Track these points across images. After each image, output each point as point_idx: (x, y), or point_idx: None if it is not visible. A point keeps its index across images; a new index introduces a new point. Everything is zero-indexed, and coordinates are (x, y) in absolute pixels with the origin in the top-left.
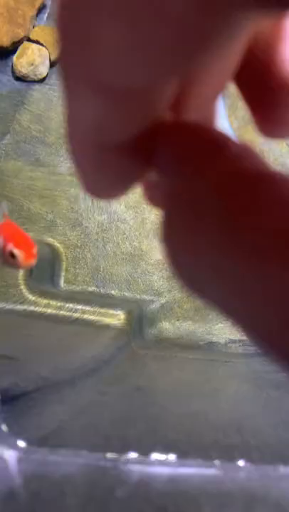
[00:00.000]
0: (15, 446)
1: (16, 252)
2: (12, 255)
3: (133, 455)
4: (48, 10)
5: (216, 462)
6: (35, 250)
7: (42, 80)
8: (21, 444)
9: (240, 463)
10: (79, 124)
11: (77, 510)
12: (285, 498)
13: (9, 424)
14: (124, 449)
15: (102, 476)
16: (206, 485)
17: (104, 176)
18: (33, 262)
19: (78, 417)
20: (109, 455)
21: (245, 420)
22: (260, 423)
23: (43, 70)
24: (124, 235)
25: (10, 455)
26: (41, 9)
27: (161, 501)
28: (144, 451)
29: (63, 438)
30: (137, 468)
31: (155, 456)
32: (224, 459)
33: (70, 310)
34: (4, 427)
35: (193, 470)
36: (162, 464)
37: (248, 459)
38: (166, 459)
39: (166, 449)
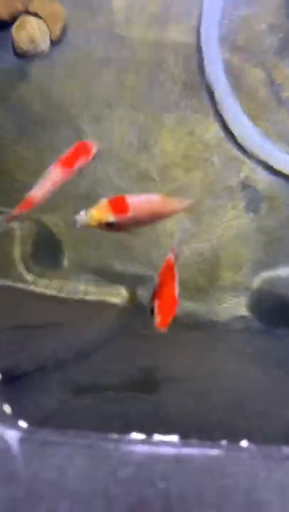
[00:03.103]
0: (16, 427)
1: (156, 313)
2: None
3: (135, 435)
4: None
5: (219, 443)
6: (171, 317)
7: (43, 56)
8: (23, 424)
9: (244, 443)
10: None
11: (79, 492)
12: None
13: (11, 404)
14: (126, 430)
15: (104, 457)
16: (209, 466)
17: None
18: (163, 330)
19: (80, 396)
20: (112, 436)
21: (248, 399)
22: (263, 402)
23: (44, 45)
24: None
25: (11, 435)
26: None
27: (164, 482)
28: (147, 432)
29: (65, 418)
30: (139, 448)
31: (158, 437)
32: (227, 439)
33: (72, 289)
34: (6, 407)
35: (195, 450)
36: (165, 444)
37: (251, 439)
38: (169, 439)
39: (168, 430)
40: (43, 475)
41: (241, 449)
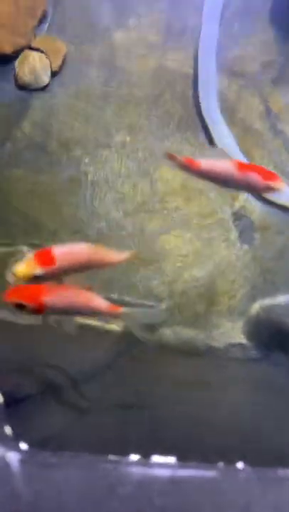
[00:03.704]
0: (17, 449)
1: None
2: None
3: (134, 457)
4: (49, 19)
5: (216, 465)
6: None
7: (43, 88)
8: (23, 446)
9: (239, 465)
10: None
11: (78, 510)
12: (283, 501)
13: (12, 427)
14: (124, 452)
15: (102, 478)
16: (205, 487)
17: None
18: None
19: (80, 419)
20: (110, 457)
21: (245, 424)
22: (259, 427)
23: (45, 78)
24: (124, 242)
25: (12, 457)
26: (42, 19)
27: (162, 502)
28: (145, 454)
29: (65, 440)
30: (137, 470)
31: (156, 458)
32: (224, 461)
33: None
34: (7, 429)
35: (193, 472)
36: (162, 466)
37: (247, 461)
38: (167, 461)
39: (166, 452)
40: (43, 494)
41: (237, 470)
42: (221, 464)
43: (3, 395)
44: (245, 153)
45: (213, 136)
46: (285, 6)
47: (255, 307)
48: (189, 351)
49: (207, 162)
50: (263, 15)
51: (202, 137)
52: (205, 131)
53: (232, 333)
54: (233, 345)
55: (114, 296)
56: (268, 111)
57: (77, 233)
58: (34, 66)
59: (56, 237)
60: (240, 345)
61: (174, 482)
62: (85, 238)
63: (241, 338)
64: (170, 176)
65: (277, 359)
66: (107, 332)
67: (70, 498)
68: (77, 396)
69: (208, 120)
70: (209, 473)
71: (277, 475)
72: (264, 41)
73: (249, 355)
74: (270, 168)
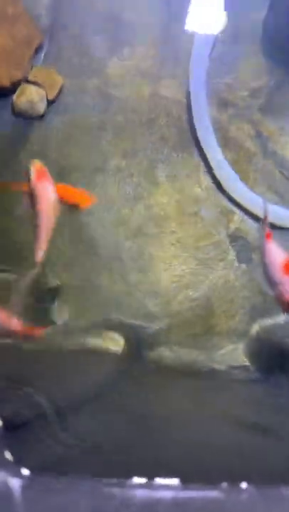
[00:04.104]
0: (19, 474)
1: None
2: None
3: (136, 480)
4: (44, 50)
5: (219, 485)
6: None
7: (39, 118)
8: (25, 471)
9: (243, 485)
10: None
11: None
12: None
13: (13, 452)
14: (127, 475)
15: (105, 501)
16: (209, 507)
17: None
18: None
19: (81, 443)
20: (113, 481)
21: (247, 445)
22: (260, 447)
23: (41, 107)
24: (123, 267)
25: (14, 483)
26: (38, 49)
27: None
28: (148, 477)
29: (66, 465)
30: (140, 492)
31: (159, 480)
32: (227, 481)
33: (72, 340)
34: (8, 455)
35: (196, 493)
36: (166, 488)
37: (250, 481)
38: (170, 483)
39: (169, 474)
40: None
41: (241, 490)
42: (224, 484)
43: (2, 419)
44: (240, 175)
45: (208, 159)
46: (273, 35)
47: (255, 328)
48: (190, 372)
49: None
50: (253, 43)
51: (196, 161)
52: (200, 155)
53: (233, 354)
54: (234, 368)
55: (112, 317)
56: (259, 134)
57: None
58: (31, 97)
59: (55, 266)
60: (243, 367)
61: (177, 503)
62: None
63: (244, 361)
64: (165, 200)
65: (279, 380)
66: (107, 354)
67: None
68: (77, 420)
69: (202, 144)
70: (212, 494)
71: (281, 493)
72: (253, 68)
73: (251, 377)
74: (263, 190)
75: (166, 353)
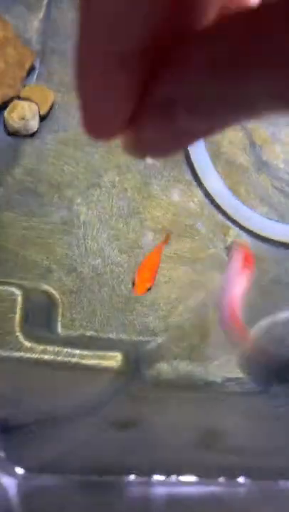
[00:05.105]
0: (13, 473)
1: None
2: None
3: (133, 477)
4: (37, 71)
5: (216, 480)
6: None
7: (33, 135)
8: (19, 471)
9: (240, 480)
10: (94, 25)
11: None
12: None
13: (8, 453)
14: (123, 473)
15: (102, 499)
16: (206, 501)
17: (106, 98)
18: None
19: (76, 451)
20: (110, 478)
21: (245, 452)
22: (259, 452)
23: (34, 124)
24: (119, 279)
25: (8, 481)
26: (30, 71)
27: None
28: (144, 474)
29: (61, 467)
30: (137, 489)
31: (155, 477)
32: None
33: (68, 355)
34: (2, 454)
35: (193, 488)
36: (163, 484)
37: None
38: (166, 479)
39: (165, 471)
40: None
41: (238, 484)
42: (221, 479)
43: None
44: (231, 188)
45: (199, 174)
46: None
47: (252, 335)
48: (187, 386)
49: None
50: None
51: (189, 175)
52: (191, 170)
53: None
54: (230, 380)
55: (112, 334)
56: (252, 144)
57: (73, 272)
58: (24, 114)
59: (50, 277)
60: (237, 378)
61: (174, 497)
62: (80, 276)
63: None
64: (160, 213)
65: (277, 390)
66: (104, 370)
67: None
68: (73, 429)
69: (193, 158)
70: (210, 488)
71: (279, 487)
72: None
73: (246, 388)
74: (256, 204)
75: (164, 367)
